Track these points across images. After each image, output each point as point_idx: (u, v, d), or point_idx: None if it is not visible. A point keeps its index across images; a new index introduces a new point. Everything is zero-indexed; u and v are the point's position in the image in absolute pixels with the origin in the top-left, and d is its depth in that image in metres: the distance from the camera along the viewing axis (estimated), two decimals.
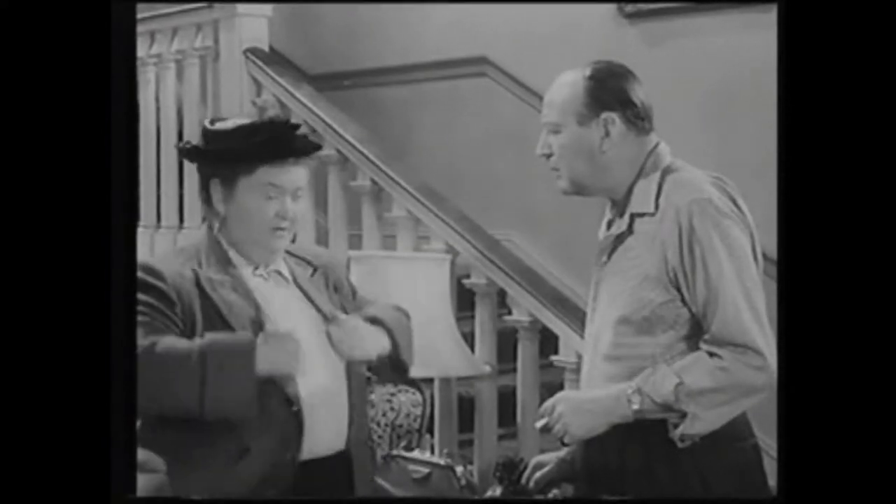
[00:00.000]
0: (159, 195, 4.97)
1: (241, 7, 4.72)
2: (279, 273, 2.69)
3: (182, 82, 4.94)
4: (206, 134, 2.65)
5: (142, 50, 4.88)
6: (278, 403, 2.52)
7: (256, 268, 2.66)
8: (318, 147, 2.71)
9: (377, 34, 5.89)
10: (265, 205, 2.59)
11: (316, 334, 2.62)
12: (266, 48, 4.78)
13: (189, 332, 2.52)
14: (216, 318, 2.54)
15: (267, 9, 4.81)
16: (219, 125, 2.65)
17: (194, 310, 2.53)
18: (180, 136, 4.90)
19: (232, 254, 2.65)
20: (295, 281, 2.70)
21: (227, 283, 2.59)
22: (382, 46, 5.85)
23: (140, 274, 2.49)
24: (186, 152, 2.73)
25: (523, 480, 2.75)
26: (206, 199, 2.66)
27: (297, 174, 2.62)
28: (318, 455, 2.59)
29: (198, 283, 2.56)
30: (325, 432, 2.60)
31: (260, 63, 4.69)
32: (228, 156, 2.58)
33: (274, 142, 2.58)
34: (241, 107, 4.68)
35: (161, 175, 4.94)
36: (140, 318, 2.46)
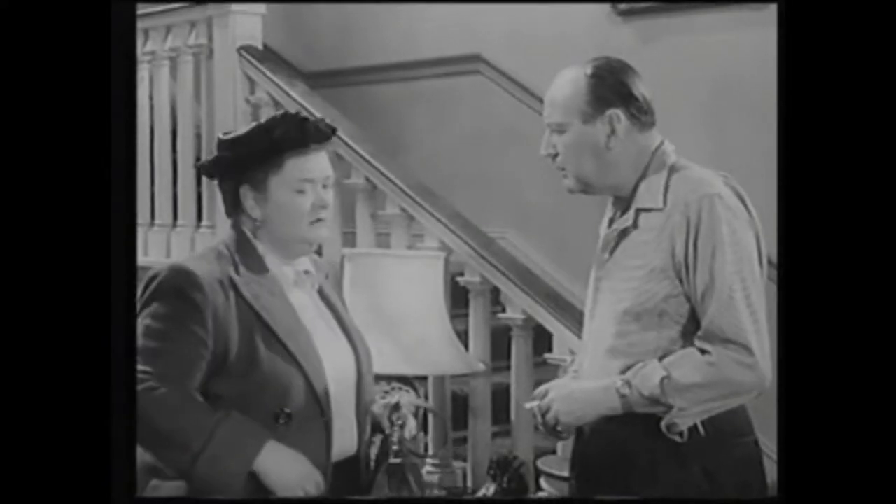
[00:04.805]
0: (153, 193, 4.96)
1: (235, 4, 4.71)
2: (306, 273, 2.69)
3: (176, 80, 4.93)
4: (223, 144, 2.62)
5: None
6: (313, 414, 2.52)
7: (288, 268, 2.64)
8: (334, 130, 2.69)
9: (371, 32, 5.89)
10: (301, 199, 2.58)
11: (333, 337, 2.63)
12: (260, 46, 4.77)
13: (220, 345, 2.47)
14: (257, 325, 2.50)
15: (261, 6, 4.79)
16: (235, 132, 2.64)
17: (229, 319, 2.49)
18: (174, 133, 4.90)
19: (268, 257, 2.61)
20: (312, 284, 2.71)
21: (266, 287, 2.56)
22: (376, 44, 5.85)
23: (174, 277, 2.49)
24: (210, 166, 2.68)
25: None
26: (235, 207, 2.63)
27: (323, 162, 2.63)
28: (334, 461, 2.58)
29: (236, 290, 2.52)
30: (341, 439, 2.59)
31: (254, 61, 4.68)
32: (255, 156, 2.56)
33: (294, 131, 2.58)
34: (235, 104, 4.68)
35: (155, 173, 4.93)
36: (162, 324, 2.45)
